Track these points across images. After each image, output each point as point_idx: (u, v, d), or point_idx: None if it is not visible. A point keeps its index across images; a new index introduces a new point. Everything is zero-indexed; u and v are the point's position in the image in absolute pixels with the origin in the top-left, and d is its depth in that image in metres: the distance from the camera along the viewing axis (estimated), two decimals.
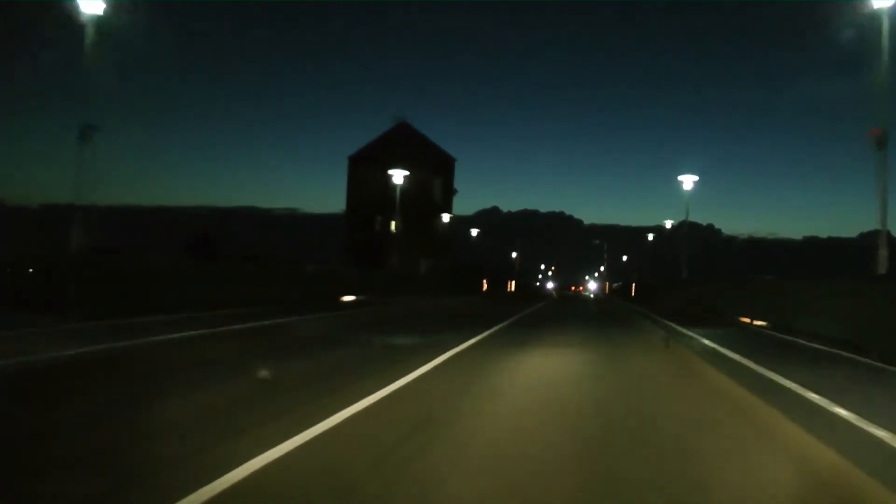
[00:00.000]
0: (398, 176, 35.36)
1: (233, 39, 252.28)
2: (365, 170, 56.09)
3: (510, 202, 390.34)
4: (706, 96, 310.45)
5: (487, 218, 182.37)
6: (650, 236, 62.26)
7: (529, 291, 71.38)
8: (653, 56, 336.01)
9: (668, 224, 51.97)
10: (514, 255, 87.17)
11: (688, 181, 32.95)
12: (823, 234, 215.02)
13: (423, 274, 53.35)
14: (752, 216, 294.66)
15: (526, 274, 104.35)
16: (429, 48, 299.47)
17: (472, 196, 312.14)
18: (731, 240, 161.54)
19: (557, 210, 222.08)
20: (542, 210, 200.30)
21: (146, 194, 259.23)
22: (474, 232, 62.27)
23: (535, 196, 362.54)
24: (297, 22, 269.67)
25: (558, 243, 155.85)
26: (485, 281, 60.55)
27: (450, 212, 56.65)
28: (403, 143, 55.11)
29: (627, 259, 75.17)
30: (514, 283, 69.66)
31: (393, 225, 56.60)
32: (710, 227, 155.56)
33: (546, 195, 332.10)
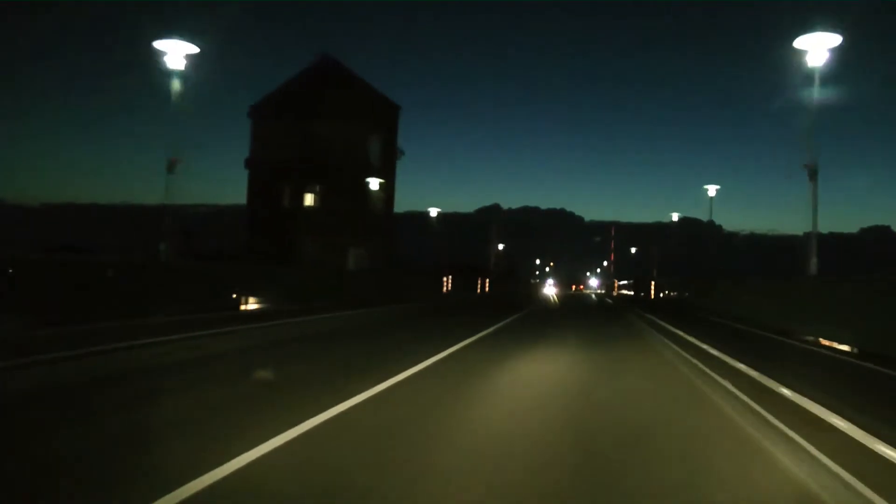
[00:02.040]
0: (175, 57, 17.52)
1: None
2: (271, 123, 38.93)
3: (511, 199, 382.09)
4: (707, 95, 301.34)
5: (488, 215, 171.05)
6: (675, 216, 45.96)
7: (520, 292, 54.76)
8: (654, 54, 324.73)
9: (712, 190, 35.33)
10: (500, 247, 70.30)
11: None
12: (824, 230, 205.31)
13: (352, 271, 36.17)
14: (751, 212, 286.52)
15: (517, 271, 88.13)
16: (429, 48, 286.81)
17: (472, 194, 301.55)
18: (732, 236, 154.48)
19: (558, 207, 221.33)
20: (543, 207, 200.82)
21: (147, 193, 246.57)
22: (434, 212, 44.99)
23: (536, 193, 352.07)
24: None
25: (559, 240, 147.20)
26: (447, 280, 43.44)
27: (392, 179, 39.39)
28: (325, 84, 37.90)
29: (642, 252, 58.44)
30: (488, 282, 52.40)
31: (310, 198, 39.70)
32: (710, 223, 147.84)
33: (547, 192, 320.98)
